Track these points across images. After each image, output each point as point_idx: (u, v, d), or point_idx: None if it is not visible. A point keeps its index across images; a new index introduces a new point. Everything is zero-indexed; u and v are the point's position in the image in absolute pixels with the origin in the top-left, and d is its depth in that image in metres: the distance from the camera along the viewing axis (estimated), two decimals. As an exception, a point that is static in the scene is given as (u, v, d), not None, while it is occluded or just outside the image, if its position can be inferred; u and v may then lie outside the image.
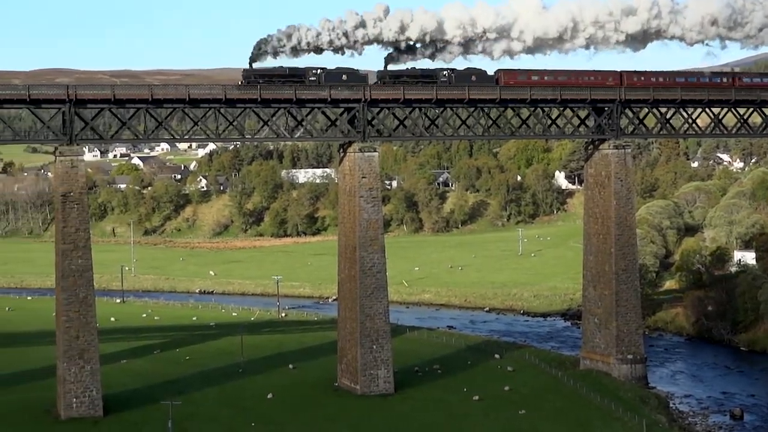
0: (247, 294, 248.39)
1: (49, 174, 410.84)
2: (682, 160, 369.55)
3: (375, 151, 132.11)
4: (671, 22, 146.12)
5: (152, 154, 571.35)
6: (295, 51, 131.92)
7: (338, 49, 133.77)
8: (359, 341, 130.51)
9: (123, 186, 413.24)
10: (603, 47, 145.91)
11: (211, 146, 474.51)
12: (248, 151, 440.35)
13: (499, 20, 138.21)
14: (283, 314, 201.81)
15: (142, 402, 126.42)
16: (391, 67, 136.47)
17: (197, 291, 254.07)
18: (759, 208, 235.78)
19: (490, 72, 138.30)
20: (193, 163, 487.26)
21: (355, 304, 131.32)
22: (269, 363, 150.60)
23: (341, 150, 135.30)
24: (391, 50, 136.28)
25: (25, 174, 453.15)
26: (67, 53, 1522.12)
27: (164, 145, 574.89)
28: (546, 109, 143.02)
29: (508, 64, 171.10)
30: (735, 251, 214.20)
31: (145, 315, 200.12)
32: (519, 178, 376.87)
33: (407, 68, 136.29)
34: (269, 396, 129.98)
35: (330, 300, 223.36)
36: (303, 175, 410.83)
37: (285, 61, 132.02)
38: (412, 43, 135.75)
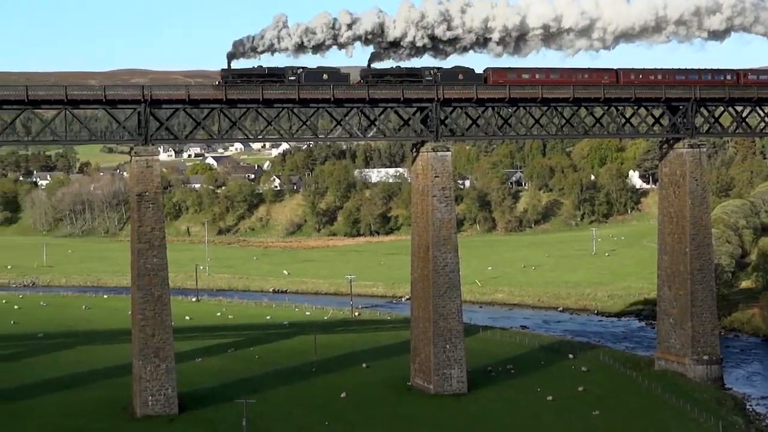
0: (320, 293, 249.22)
1: (125, 174, 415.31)
2: (759, 159, 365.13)
3: (448, 150, 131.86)
4: (755, 21, 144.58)
5: (226, 153, 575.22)
6: (368, 41, 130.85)
7: (422, 49, 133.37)
8: (432, 340, 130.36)
9: (197, 186, 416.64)
10: (685, 42, 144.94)
11: (285, 146, 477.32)
12: (321, 151, 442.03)
13: (582, 20, 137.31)
14: (357, 313, 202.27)
15: (217, 400, 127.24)
16: (375, 65, 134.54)
17: (271, 290, 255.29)
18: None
19: (478, 70, 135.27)
20: (267, 163, 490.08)
21: (428, 304, 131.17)
22: (342, 362, 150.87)
23: (414, 149, 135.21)
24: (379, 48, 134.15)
25: (101, 174, 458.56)
26: (142, 54, 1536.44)
27: (238, 145, 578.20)
28: (620, 108, 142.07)
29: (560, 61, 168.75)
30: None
31: (219, 314, 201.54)
32: (592, 177, 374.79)
33: (391, 67, 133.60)
34: (342, 395, 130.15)
35: (403, 299, 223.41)
36: (376, 175, 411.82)
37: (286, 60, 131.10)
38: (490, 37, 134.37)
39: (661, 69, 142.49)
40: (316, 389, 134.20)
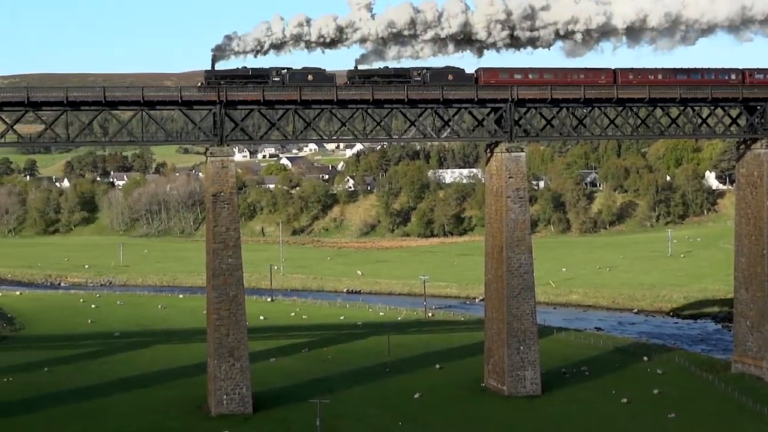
0: (393, 294, 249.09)
1: (200, 174, 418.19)
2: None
3: (522, 151, 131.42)
4: None
5: (300, 154, 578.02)
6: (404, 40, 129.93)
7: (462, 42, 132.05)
8: (506, 342, 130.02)
9: (272, 186, 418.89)
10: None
11: (359, 146, 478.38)
12: (395, 152, 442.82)
13: (666, 20, 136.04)
14: (430, 314, 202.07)
15: (291, 399, 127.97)
16: (361, 66, 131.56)
17: (345, 290, 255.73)
18: None
19: (469, 70, 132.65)
20: (341, 164, 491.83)
21: (502, 305, 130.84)
22: (416, 363, 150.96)
23: (488, 150, 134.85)
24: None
25: (177, 174, 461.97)
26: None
27: (312, 146, 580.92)
28: (696, 109, 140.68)
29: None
30: None
31: (293, 314, 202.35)
32: (668, 178, 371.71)
33: (379, 67, 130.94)
34: (416, 395, 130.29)
35: (477, 300, 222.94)
36: (449, 175, 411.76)
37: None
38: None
39: (661, 69, 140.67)
40: (389, 390, 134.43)
